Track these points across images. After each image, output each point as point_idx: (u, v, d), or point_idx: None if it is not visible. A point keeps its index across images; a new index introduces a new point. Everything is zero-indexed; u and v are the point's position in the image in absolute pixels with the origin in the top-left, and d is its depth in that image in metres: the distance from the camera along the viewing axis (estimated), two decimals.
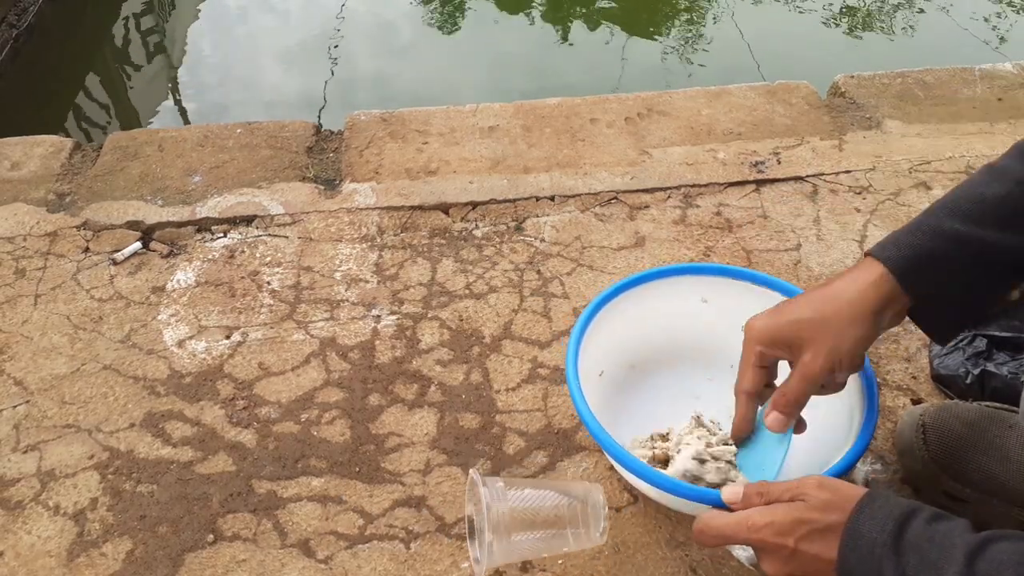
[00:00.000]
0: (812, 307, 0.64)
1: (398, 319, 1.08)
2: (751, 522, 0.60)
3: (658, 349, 0.94)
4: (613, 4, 3.23)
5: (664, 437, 0.84)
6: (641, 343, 0.93)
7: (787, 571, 0.59)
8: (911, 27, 3.03)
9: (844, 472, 0.70)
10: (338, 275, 1.14)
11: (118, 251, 1.18)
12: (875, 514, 0.55)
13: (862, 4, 3.14)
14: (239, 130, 1.42)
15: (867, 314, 0.63)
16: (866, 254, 0.66)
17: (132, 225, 1.23)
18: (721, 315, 0.90)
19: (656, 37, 3.04)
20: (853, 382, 0.76)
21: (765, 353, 0.67)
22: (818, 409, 0.78)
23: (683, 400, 0.91)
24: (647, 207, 1.24)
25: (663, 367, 0.95)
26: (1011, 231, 0.62)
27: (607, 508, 0.74)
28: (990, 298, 0.65)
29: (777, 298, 0.84)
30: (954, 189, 0.66)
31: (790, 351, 0.66)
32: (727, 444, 0.78)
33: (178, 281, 1.14)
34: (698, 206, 1.24)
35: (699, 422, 0.85)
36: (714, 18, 3.14)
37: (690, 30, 3.09)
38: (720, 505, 0.65)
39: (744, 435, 0.72)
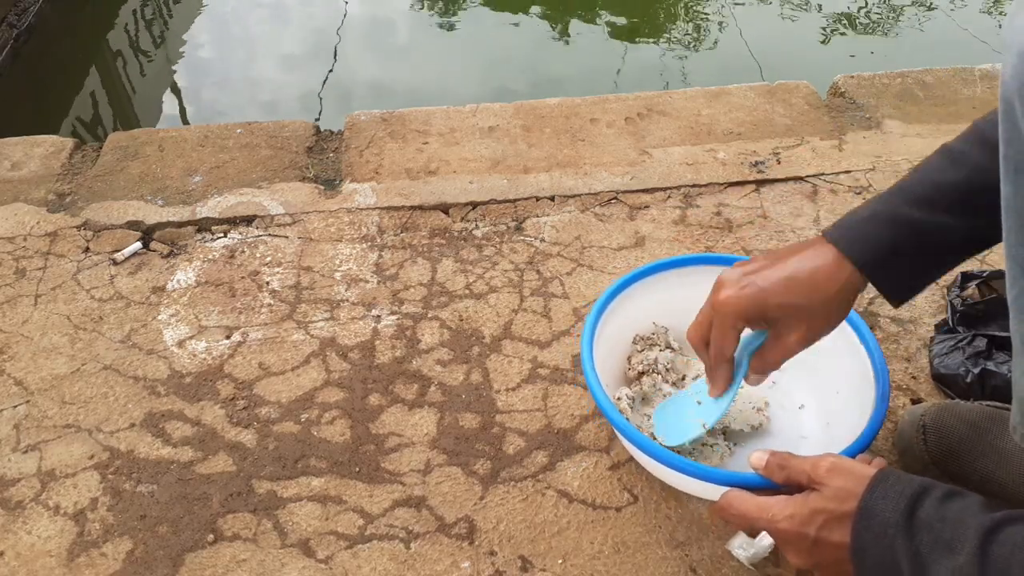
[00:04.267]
0: (794, 292, 0.65)
1: (398, 319, 1.07)
2: (772, 513, 0.62)
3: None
4: (613, 4, 3.23)
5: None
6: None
7: (811, 561, 0.60)
8: (911, 27, 3.03)
9: (861, 450, 0.71)
10: (338, 275, 1.14)
11: (118, 251, 1.18)
12: (887, 493, 0.56)
13: (862, 4, 3.14)
14: (239, 130, 1.42)
15: (844, 306, 0.67)
16: (827, 239, 0.66)
17: (132, 225, 1.23)
18: None
19: (656, 37, 3.04)
20: (863, 366, 0.80)
21: (745, 325, 0.69)
22: (839, 395, 0.84)
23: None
24: (647, 207, 1.24)
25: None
26: (968, 216, 0.64)
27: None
28: (947, 269, 0.69)
29: None
30: (911, 173, 0.67)
31: (769, 325, 0.69)
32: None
33: (178, 281, 1.14)
34: (698, 206, 1.24)
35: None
36: (714, 18, 3.14)
37: (690, 30, 3.09)
38: (746, 486, 0.67)
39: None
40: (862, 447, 0.71)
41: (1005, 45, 0.56)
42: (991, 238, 0.64)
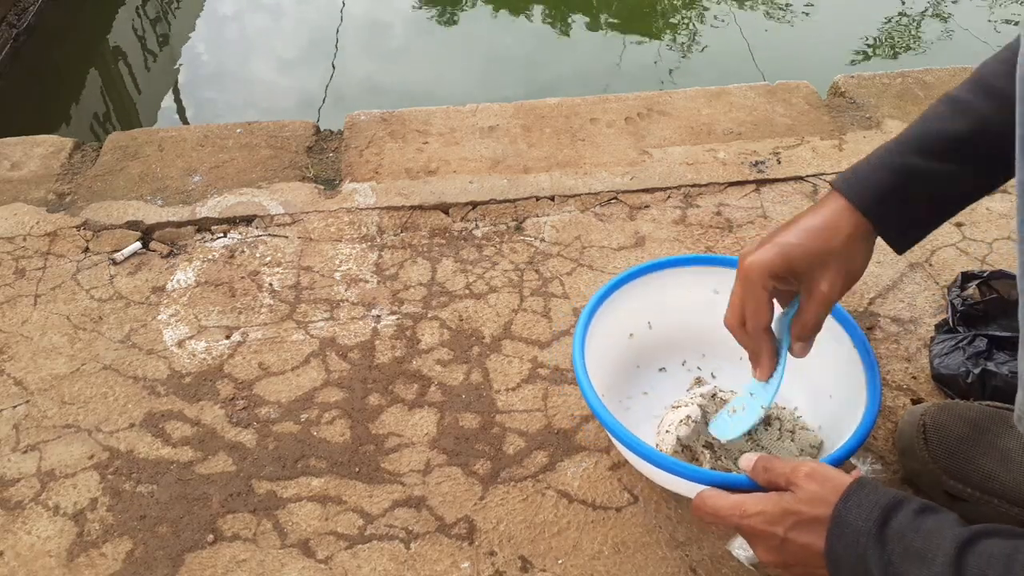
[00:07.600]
0: (813, 240, 0.67)
1: (398, 319, 1.07)
2: (743, 508, 0.62)
3: (666, 341, 0.94)
4: (613, 4, 3.23)
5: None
6: (648, 335, 0.94)
7: (779, 559, 0.61)
8: (911, 27, 3.03)
9: (844, 458, 0.71)
10: (338, 275, 1.14)
11: (118, 251, 1.18)
12: (861, 503, 0.56)
13: (863, 4, 3.14)
14: (239, 130, 1.42)
15: (862, 250, 0.68)
16: (834, 188, 0.69)
17: (132, 225, 1.23)
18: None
19: (656, 37, 3.04)
20: (855, 368, 0.80)
21: (777, 287, 0.69)
22: (832, 399, 0.84)
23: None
24: (647, 207, 1.24)
25: (672, 359, 0.95)
26: (970, 165, 0.66)
27: None
28: (949, 216, 0.70)
29: None
30: (917, 122, 0.69)
31: (799, 281, 0.68)
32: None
33: (178, 281, 1.14)
34: (698, 206, 1.24)
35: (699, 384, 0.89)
36: (714, 18, 3.14)
37: (690, 30, 3.09)
38: (728, 486, 0.67)
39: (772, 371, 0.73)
40: (845, 456, 0.71)
41: None
42: (993, 185, 0.66)
